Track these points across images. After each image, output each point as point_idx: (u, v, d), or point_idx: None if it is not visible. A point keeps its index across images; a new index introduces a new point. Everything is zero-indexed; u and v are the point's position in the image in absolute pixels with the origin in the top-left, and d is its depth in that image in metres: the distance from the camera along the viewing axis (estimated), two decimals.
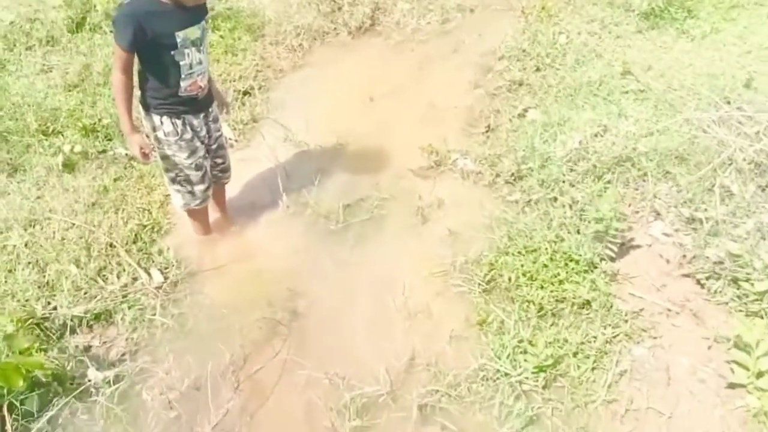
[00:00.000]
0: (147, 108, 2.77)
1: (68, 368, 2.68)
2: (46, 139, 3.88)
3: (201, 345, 2.80)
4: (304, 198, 3.57)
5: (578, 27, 4.85)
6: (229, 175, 3.30)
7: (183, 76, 2.65)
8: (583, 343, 2.59)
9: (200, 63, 2.69)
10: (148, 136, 2.91)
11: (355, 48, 5.12)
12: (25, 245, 3.21)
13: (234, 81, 4.55)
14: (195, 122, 2.85)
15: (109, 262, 3.16)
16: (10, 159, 3.72)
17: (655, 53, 4.43)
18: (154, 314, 2.94)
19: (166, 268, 3.17)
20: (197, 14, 2.63)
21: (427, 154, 3.81)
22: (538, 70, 4.47)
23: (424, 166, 3.76)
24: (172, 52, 2.57)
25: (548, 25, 4.89)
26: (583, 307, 2.74)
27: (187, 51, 2.60)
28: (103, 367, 2.74)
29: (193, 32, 2.60)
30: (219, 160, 3.17)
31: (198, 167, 2.95)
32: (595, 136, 3.59)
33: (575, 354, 2.56)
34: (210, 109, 2.94)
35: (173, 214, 3.48)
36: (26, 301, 2.94)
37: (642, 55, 4.41)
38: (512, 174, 3.51)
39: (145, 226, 3.38)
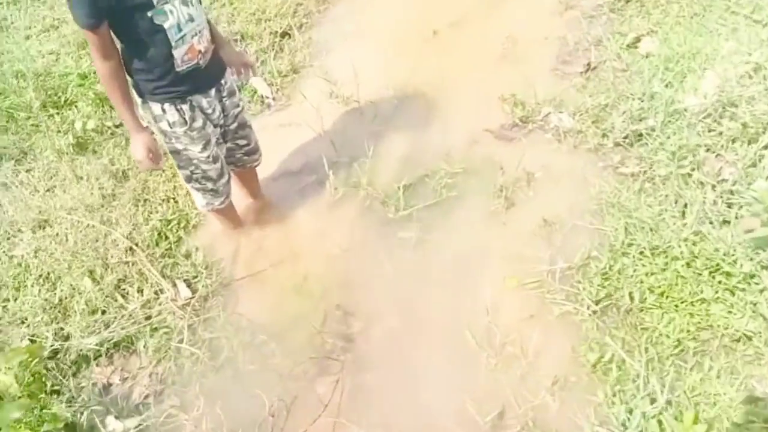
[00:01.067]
0: (142, 95, 2.10)
1: (82, 419, 2.23)
2: (58, 113, 3.32)
3: (236, 387, 2.28)
4: (356, 176, 2.87)
5: None
6: (257, 158, 2.62)
7: (173, 43, 1.93)
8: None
9: (191, 20, 1.95)
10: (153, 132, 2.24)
11: None
12: (35, 254, 2.73)
13: (269, 20, 3.78)
14: (204, 102, 2.16)
15: (129, 272, 2.65)
16: (17, 141, 3.20)
17: None
18: (181, 340, 2.42)
19: (194, 278, 2.63)
20: None
21: (509, 108, 2.99)
22: None
23: (506, 125, 2.95)
24: (149, 14, 1.85)
25: None
26: (740, 342, 1.98)
27: (168, 8, 1.87)
28: (124, 413, 2.27)
29: None
30: (242, 142, 2.48)
31: (214, 159, 2.30)
32: (742, 77, 2.64)
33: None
34: (223, 81, 2.22)
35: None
36: (35, 326, 2.49)
37: None
38: (625, 135, 2.66)
39: (170, 222, 2.82)
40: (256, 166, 2.67)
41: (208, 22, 2.10)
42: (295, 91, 3.40)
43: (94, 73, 3.48)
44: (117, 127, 3.24)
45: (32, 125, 3.26)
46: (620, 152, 2.66)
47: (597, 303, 2.18)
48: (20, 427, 1.92)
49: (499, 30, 3.45)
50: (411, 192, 2.77)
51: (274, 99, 3.40)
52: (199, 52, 2.02)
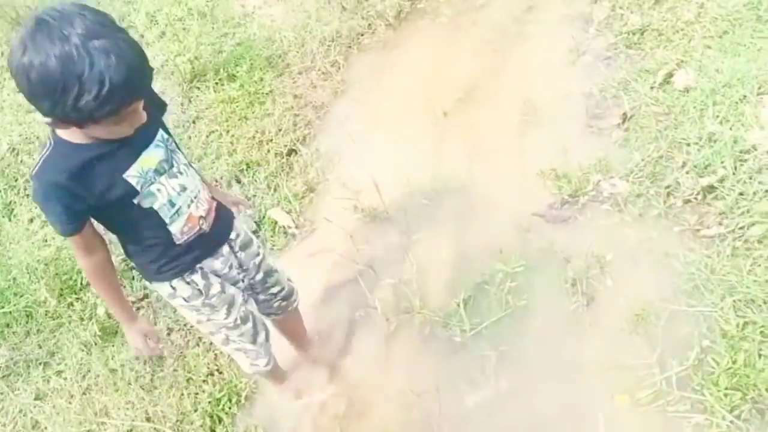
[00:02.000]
0: (147, 278, 1.87)
1: None
2: (77, 298, 3.11)
3: None
4: (406, 299, 2.59)
5: None
6: (295, 298, 2.32)
7: (167, 220, 1.69)
8: None
9: (184, 189, 1.70)
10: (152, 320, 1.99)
11: (400, 43, 3.98)
12: None
13: (271, 141, 3.57)
14: (218, 264, 1.89)
15: None
16: (42, 341, 2.98)
17: None
18: None
19: None
20: (146, 129, 1.60)
21: (552, 183, 2.70)
22: (658, 2, 3.19)
23: (554, 204, 2.67)
24: (135, 201, 1.61)
25: None
26: None
27: (155, 188, 1.63)
28: None
29: (150, 159, 1.61)
30: (275, 289, 2.18)
31: (244, 319, 2.02)
32: None
33: None
34: (233, 235, 1.94)
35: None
36: None
37: None
38: (695, 191, 2.35)
39: (219, 401, 2.55)
40: (296, 307, 2.36)
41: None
42: (317, 213, 3.16)
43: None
44: (141, 299, 3.01)
45: (53, 321, 3.05)
46: (695, 210, 2.35)
47: (731, 410, 1.83)
48: None
49: (514, 96, 3.20)
50: (473, 306, 2.47)
51: (297, 227, 3.16)
52: (200, 217, 1.77)
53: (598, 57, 3.16)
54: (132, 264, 1.86)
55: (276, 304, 2.23)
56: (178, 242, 1.74)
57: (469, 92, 3.38)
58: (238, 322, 1.99)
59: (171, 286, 1.83)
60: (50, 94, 1.33)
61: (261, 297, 2.16)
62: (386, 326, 2.55)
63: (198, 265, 1.83)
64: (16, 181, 3.82)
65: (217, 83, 4.03)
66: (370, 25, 4.13)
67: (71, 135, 1.50)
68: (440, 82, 3.52)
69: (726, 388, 1.87)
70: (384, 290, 2.67)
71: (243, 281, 2.03)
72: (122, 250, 1.81)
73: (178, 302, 1.89)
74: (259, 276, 2.08)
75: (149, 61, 1.44)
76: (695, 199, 2.35)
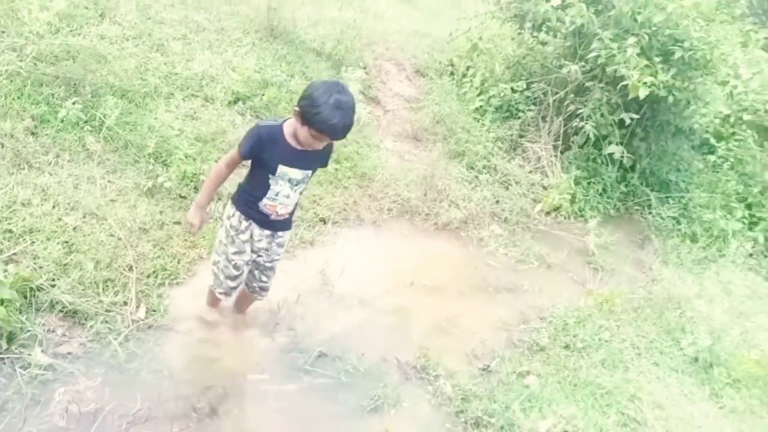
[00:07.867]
0: (232, 200, 3.23)
1: (22, 336, 3.03)
2: (153, 164, 4.55)
3: (124, 386, 3.07)
4: (296, 328, 3.86)
5: (627, 336, 4.93)
6: (265, 296, 3.61)
7: (267, 196, 3.06)
8: None
9: (287, 197, 3.05)
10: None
11: (431, 237, 5.52)
12: (74, 229, 3.74)
13: (318, 205, 5.10)
14: (257, 232, 3.19)
15: (119, 279, 3.59)
16: (119, 161, 4.41)
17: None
18: (117, 338, 3.27)
19: (153, 311, 3.54)
20: (310, 162, 3.01)
21: (419, 355, 4.00)
22: (567, 348, 4.60)
23: (409, 362, 3.94)
24: (269, 176, 3.01)
25: (601, 318, 5.01)
26: None
27: (281, 182, 3.02)
28: (47, 351, 3.06)
29: (294, 173, 2.98)
30: (263, 278, 3.45)
31: (237, 267, 3.27)
32: None
33: None
34: (280, 233, 3.28)
35: (195, 273, 3.92)
36: (40, 267, 3.40)
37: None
38: (475, 419, 3.60)
39: (165, 269, 3.82)
40: (259, 300, 3.67)
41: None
42: (307, 258, 4.53)
43: (194, 159, 4.76)
44: (182, 197, 4.41)
45: (132, 160, 4.49)
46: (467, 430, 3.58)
47: None
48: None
49: (453, 309, 4.59)
50: (321, 361, 3.69)
51: (287, 251, 4.54)
52: (276, 212, 3.13)
53: (509, 339, 4.51)
54: (235, 187, 3.25)
55: (254, 285, 3.53)
56: (258, 205, 3.12)
57: (435, 288, 4.78)
58: (234, 262, 3.27)
59: (233, 212, 3.20)
60: (309, 106, 2.73)
61: (253, 273, 3.46)
62: (273, 328, 3.81)
63: (251, 220, 3.19)
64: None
65: None
66: (427, 214, 5.72)
67: (289, 129, 2.95)
68: (428, 270, 4.94)
69: None
70: (293, 315, 3.96)
71: (261, 255, 3.35)
72: (243, 185, 3.19)
73: (226, 222, 3.24)
74: (268, 263, 3.42)
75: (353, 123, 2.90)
76: (471, 422, 3.58)
